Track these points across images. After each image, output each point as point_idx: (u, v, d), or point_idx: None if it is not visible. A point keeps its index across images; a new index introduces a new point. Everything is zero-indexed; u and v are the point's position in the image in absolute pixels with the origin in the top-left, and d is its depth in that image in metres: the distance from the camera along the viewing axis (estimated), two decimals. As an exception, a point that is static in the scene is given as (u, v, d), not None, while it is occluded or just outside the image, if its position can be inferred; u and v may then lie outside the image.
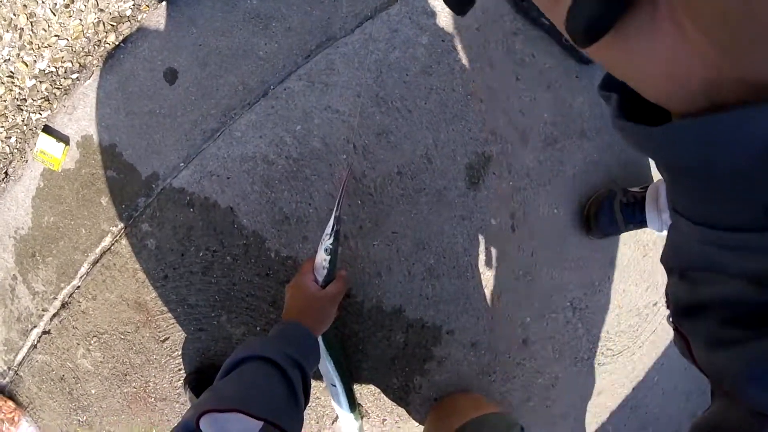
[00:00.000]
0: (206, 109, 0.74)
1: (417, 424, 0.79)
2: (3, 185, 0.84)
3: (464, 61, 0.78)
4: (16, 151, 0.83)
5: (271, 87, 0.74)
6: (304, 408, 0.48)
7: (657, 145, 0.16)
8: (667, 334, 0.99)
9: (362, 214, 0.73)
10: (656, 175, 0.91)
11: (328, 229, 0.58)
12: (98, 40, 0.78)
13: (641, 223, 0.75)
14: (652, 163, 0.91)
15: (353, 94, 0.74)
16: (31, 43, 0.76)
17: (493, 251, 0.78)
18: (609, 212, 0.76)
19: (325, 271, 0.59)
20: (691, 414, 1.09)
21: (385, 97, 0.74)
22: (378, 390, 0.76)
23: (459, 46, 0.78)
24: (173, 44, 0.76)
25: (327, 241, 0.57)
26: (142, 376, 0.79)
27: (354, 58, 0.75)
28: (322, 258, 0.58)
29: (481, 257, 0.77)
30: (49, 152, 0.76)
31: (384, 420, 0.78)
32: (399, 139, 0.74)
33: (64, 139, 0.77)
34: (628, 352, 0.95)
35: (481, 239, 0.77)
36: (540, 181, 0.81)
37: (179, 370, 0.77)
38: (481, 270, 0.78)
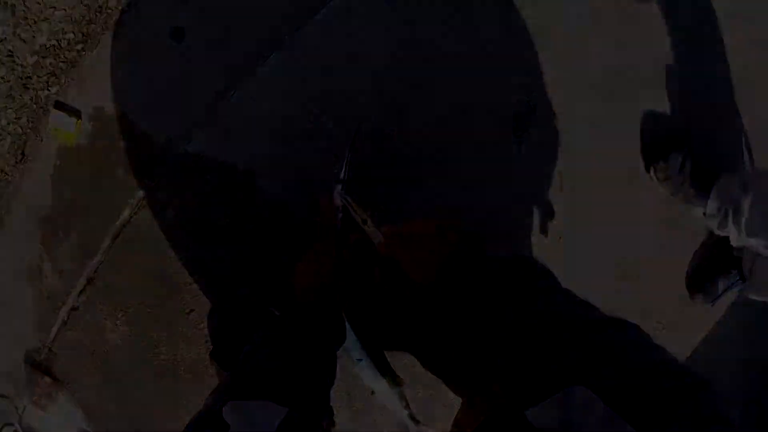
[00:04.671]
0: (217, 66, 0.69)
1: (453, 396, 0.74)
2: (21, 166, 0.82)
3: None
4: (29, 130, 0.80)
5: (286, 36, 0.67)
6: (332, 385, 0.47)
7: None
8: (718, 308, 0.90)
9: (394, 173, 0.67)
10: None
11: (340, 182, 0.56)
12: (99, 7, 0.74)
13: (701, 199, 0.67)
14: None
15: (378, 37, 0.66)
16: (26, 18, 0.72)
17: (539, 212, 0.71)
18: (680, 172, 0.69)
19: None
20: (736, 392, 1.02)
21: (415, 39, 0.66)
22: (413, 361, 0.72)
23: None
24: (178, 0, 0.70)
25: (341, 192, 0.56)
26: (169, 349, 0.78)
27: (376, -2, 0.67)
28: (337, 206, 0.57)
29: (526, 219, 0.70)
30: (62, 128, 0.74)
31: (417, 393, 0.74)
32: (432, 86, 0.67)
33: (76, 113, 0.74)
34: (677, 325, 0.87)
35: (526, 199, 0.70)
36: (594, 134, 0.72)
37: (206, 341, 0.76)
38: (525, 233, 0.71)
